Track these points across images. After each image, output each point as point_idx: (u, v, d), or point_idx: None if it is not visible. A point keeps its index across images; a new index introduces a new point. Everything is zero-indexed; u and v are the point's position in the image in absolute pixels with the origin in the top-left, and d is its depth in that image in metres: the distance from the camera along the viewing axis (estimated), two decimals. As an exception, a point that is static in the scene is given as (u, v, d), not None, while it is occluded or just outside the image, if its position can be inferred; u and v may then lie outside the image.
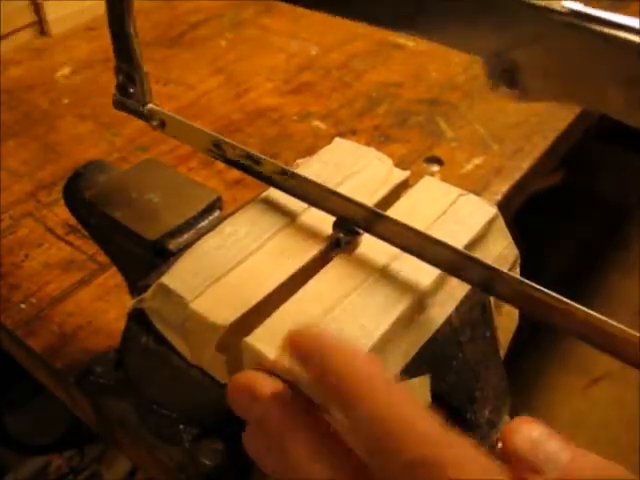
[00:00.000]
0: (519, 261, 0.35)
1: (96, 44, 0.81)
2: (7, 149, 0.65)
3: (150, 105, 0.38)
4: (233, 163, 0.35)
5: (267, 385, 0.26)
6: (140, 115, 0.38)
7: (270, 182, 0.34)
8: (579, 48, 0.22)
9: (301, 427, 0.24)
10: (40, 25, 0.82)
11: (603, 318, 0.25)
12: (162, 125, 0.38)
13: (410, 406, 0.22)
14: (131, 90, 0.37)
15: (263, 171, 0.34)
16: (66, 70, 0.77)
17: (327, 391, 0.24)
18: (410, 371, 0.28)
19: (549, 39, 0.23)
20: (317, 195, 0.33)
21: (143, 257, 0.36)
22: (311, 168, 0.36)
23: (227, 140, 0.35)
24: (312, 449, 0.24)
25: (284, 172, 0.34)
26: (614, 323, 0.25)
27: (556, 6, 0.22)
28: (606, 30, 0.21)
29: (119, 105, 0.38)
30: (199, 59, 0.78)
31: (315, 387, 0.25)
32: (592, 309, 0.26)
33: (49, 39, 0.83)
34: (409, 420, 0.22)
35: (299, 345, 0.24)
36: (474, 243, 0.32)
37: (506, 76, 0.24)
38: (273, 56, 0.78)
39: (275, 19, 0.86)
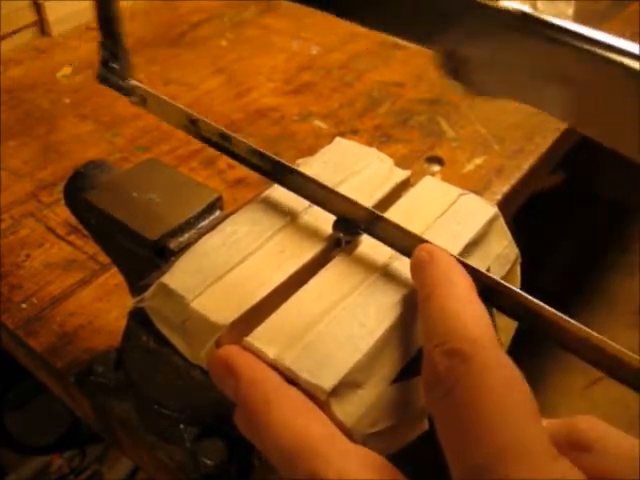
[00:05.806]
0: (519, 261, 0.35)
1: (97, 44, 0.81)
2: (8, 149, 0.65)
3: (131, 80, 0.39)
4: (207, 141, 0.36)
5: (243, 360, 0.26)
6: (122, 90, 0.39)
7: (246, 163, 0.35)
8: (523, 48, 0.24)
9: (269, 403, 0.24)
10: (41, 25, 0.82)
11: (603, 338, 0.25)
12: (143, 101, 0.39)
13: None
14: (114, 65, 0.38)
15: (235, 150, 0.35)
16: (67, 70, 0.77)
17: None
18: (411, 370, 0.28)
19: (496, 38, 0.24)
20: (316, 193, 0.33)
21: (144, 257, 0.36)
22: (312, 168, 0.36)
23: (202, 117, 0.36)
24: (280, 423, 0.24)
25: (256, 153, 0.34)
26: (614, 344, 0.25)
27: (505, 6, 0.24)
28: (549, 32, 0.23)
29: (103, 79, 0.40)
30: (200, 59, 0.78)
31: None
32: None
33: (50, 39, 0.83)
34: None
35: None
36: (475, 242, 0.32)
37: (455, 69, 0.25)
38: (274, 56, 0.78)
39: (276, 19, 0.86)
